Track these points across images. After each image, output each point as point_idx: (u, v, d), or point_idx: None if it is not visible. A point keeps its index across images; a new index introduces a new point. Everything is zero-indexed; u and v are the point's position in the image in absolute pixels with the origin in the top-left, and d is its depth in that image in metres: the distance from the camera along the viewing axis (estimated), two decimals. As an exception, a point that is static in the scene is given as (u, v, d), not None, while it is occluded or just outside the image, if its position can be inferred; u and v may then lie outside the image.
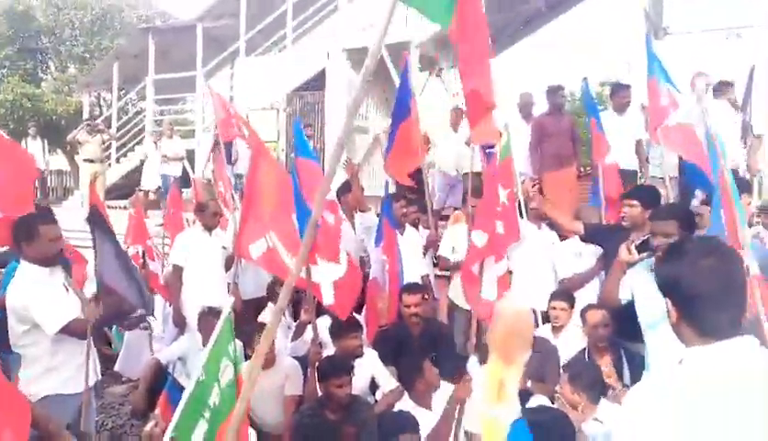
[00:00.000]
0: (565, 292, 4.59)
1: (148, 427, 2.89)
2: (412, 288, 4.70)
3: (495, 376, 1.16)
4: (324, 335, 4.38)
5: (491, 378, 1.18)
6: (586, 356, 4.04)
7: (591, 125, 5.66)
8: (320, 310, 4.91)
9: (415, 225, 5.84)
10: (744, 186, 5.19)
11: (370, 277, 5.11)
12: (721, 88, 6.47)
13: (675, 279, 1.60)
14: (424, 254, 5.74)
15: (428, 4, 3.56)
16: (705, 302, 1.54)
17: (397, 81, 11.44)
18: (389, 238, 4.98)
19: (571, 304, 4.47)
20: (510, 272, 4.77)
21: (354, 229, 5.74)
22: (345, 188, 6.09)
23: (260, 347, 1.86)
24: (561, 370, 3.86)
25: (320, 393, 3.83)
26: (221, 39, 13.17)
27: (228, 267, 5.42)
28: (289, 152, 4.01)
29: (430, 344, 4.53)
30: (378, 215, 5.64)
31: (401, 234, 5.40)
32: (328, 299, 4.13)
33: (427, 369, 3.96)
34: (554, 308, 4.48)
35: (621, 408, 1.54)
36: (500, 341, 1.18)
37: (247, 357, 4.27)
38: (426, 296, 4.85)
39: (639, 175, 7.26)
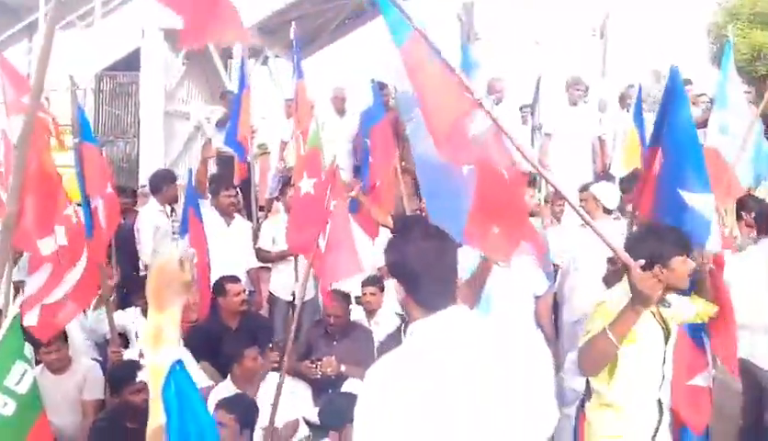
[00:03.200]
0: (375, 278, 4.73)
1: None
2: (232, 279, 4.59)
3: (153, 324, 1.30)
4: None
5: (149, 326, 1.30)
6: (402, 335, 4.18)
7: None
8: (126, 302, 4.59)
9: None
10: (531, 182, 5.71)
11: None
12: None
13: (397, 262, 1.80)
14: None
15: None
16: (422, 280, 1.74)
17: (219, 64, 11.08)
18: (196, 230, 4.71)
19: (381, 288, 4.64)
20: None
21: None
22: (161, 181, 5.60)
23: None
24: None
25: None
26: (16, 8, 11.71)
27: (16, 262, 4.79)
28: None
29: (248, 336, 4.44)
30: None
31: (228, 225, 5.20)
32: None
33: (251, 357, 3.92)
34: (365, 294, 4.64)
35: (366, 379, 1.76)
36: (152, 291, 1.32)
37: (38, 363, 3.83)
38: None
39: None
